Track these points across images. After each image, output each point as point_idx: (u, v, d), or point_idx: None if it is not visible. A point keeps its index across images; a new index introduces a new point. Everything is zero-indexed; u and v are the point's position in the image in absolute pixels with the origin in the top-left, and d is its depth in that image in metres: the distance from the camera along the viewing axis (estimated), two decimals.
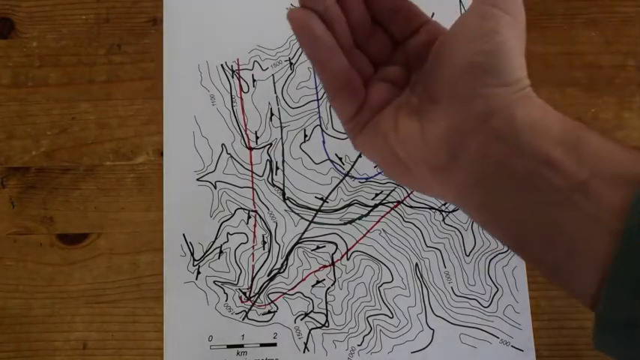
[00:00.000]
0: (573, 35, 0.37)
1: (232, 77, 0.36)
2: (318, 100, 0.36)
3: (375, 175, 0.35)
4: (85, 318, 0.34)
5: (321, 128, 0.35)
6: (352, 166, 0.35)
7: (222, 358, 0.33)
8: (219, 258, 0.34)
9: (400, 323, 0.33)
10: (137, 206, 0.35)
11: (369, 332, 0.33)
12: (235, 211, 0.35)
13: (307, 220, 0.34)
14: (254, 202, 0.35)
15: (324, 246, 0.34)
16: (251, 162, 0.35)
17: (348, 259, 0.34)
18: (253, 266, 0.34)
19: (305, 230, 0.34)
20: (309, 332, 0.33)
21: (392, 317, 0.33)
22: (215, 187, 0.35)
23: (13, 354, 0.33)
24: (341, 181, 0.35)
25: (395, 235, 0.34)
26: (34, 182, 0.35)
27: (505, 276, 0.34)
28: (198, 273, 0.34)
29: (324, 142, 0.35)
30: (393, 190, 0.35)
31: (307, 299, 0.34)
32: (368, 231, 0.34)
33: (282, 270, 0.34)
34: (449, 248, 0.34)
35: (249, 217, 0.34)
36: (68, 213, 0.35)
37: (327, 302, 0.33)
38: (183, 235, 0.34)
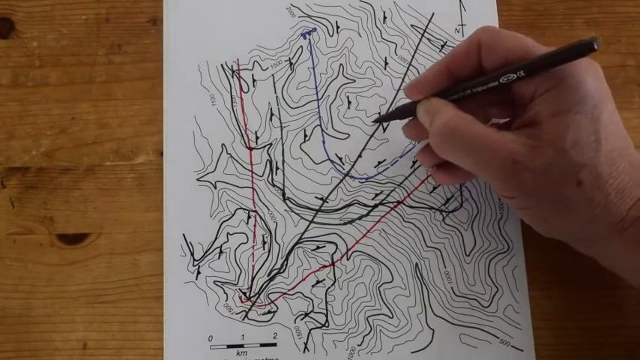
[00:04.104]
0: (573, 35, 0.37)
1: (232, 77, 0.36)
2: (318, 100, 0.36)
3: (375, 175, 0.35)
4: (85, 318, 0.34)
5: (321, 128, 0.35)
6: (352, 166, 0.35)
7: (222, 358, 0.33)
8: (219, 258, 0.34)
9: (400, 323, 0.33)
10: (137, 206, 0.35)
11: (369, 332, 0.33)
12: (235, 211, 0.35)
13: (307, 220, 0.34)
14: (254, 202, 0.35)
15: (324, 246, 0.34)
16: (251, 162, 0.35)
17: (348, 259, 0.34)
18: (253, 266, 0.34)
19: (305, 230, 0.34)
20: (309, 332, 0.33)
21: (392, 317, 0.33)
22: (215, 187, 0.35)
23: (13, 354, 0.33)
24: (341, 181, 0.35)
25: (395, 235, 0.34)
26: (34, 182, 0.35)
27: (505, 276, 0.34)
28: (198, 273, 0.34)
29: (324, 142, 0.35)
30: (393, 190, 0.35)
31: (307, 299, 0.34)
32: (368, 231, 0.34)
33: (282, 270, 0.34)
34: (449, 248, 0.34)
35: (249, 217, 0.34)
36: (68, 213, 0.35)
37: (327, 302, 0.33)
38: (183, 235, 0.34)
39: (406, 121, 0.33)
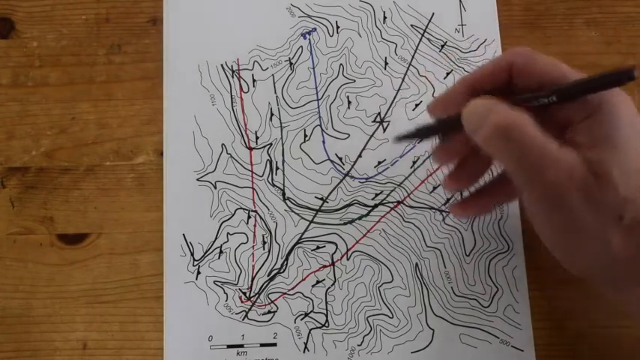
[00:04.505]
0: (573, 35, 0.37)
1: (232, 77, 0.36)
2: (318, 100, 0.36)
3: (375, 175, 0.35)
4: (85, 318, 0.34)
5: (321, 128, 0.35)
6: (352, 166, 0.35)
7: (222, 358, 0.33)
8: (219, 258, 0.34)
9: (400, 323, 0.33)
10: (137, 206, 0.35)
11: (369, 332, 0.33)
12: (235, 211, 0.35)
13: (307, 220, 0.34)
14: (254, 202, 0.35)
15: (324, 246, 0.34)
16: (251, 162, 0.35)
17: (348, 259, 0.34)
18: (253, 266, 0.34)
19: (305, 230, 0.34)
20: (309, 332, 0.33)
21: (392, 317, 0.33)
22: (215, 187, 0.35)
23: (13, 354, 0.33)
24: (341, 181, 0.35)
25: (395, 235, 0.34)
26: (34, 182, 0.35)
27: (505, 276, 0.34)
28: (198, 273, 0.34)
29: (324, 142, 0.35)
30: (393, 190, 0.35)
31: (307, 299, 0.34)
32: (368, 231, 0.34)
33: (282, 270, 0.34)
34: (449, 248, 0.34)
35: (249, 217, 0.35)
36: (68, 213, 0.35)
37: (327, 302, 0.33)
38: (183, 235, 0.34)
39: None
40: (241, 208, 0.35)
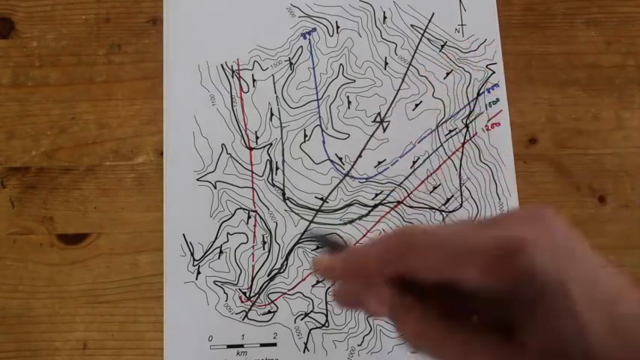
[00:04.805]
0: (573, 35, 0.37)
1: (232, 77, 0.36)
2: (318, 100, 0.36)
3: (375, 175, 0.35)
4: (85, 318, 0.34)
5: (321, 128, 0.35)
6: (352, 166, 0.35)
7: (222, 358, 0.33)
8: (219, 258, 0.34)
9: None
10: (137, 206, 0.35)
11: (369, 332, 0.33)
12: (235, 211, 0.35)
13: (307, 220, 0.34)
14: (254, 202, 0.35)
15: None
16: (251, 162, 0.35)
17: None
18: (253, 266, 0.34)
19: (305, 230, 0.34)
20: (309, 332, 0.33)
21: None
22: (215, 187, 0.35)
23: (13, 354, 0.33)
24: (341, 181, 0.35)
25: None
26: (34, 182, 0.35)
27: None
28: (198, 273, 0.34)
29: (324, 142, 0.35)
30: (393, 190, 0.35)
31: (307, 299, 0.34)
32: (368, 231, 0.34)
33: (282, 270, 0.34)
34: None
35: (249, 217, 0.34)
36: (68, 213, 0.35)
37: (327, 302, 0.33)
38: (183, 235, 0.34)
39: None
40: (241, 208, 0.35)
